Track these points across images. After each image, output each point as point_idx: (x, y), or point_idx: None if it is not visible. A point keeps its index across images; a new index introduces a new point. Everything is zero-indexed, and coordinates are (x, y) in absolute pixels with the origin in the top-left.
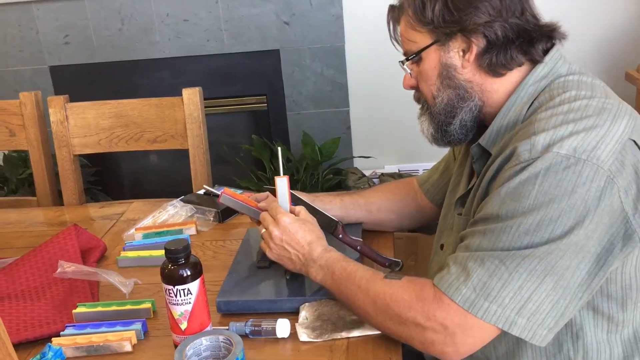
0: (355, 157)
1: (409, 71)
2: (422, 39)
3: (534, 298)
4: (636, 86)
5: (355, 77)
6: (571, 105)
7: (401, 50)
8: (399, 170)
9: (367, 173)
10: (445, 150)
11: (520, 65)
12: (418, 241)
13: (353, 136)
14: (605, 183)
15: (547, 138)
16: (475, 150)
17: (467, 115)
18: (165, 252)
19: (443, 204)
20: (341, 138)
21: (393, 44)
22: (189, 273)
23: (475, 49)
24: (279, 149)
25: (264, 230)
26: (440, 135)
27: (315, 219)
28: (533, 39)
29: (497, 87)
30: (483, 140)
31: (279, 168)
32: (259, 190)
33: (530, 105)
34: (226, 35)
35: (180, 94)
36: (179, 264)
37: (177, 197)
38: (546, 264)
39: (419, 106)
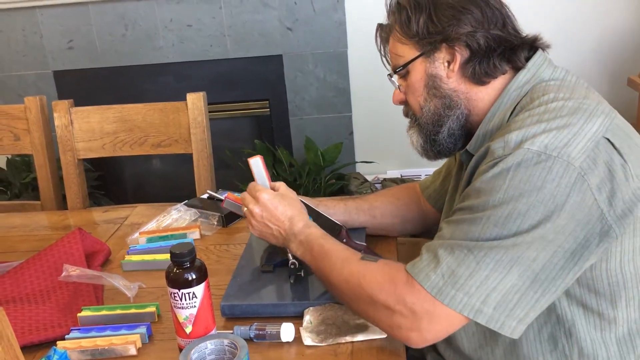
0: (357, 162)
1: (397, 85)
2: (408, 52)
3: (499, 288)
4: (638, 92)
5: (357, 82)
6: (548, 106)
7: (390, 67)
8: (401, 176)
9: (369, 178)
10: None
11: (503, 73)
12: (420, 246)
13: (355, 141)
14: (576, 180)
15: (519, 135)
16: (464, 157)
17: (454, 123)
18: (171, 256)
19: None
20: (343, 143)
21: (383, 62)
22: (194, 277)
23: (459, 59)
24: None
25: (245, 209)
26: (430, 146)
27: (295, 194)
28: (515, 47)
29: (482, 96)
30: (470, 147)
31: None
32: None
33: (513, 110)
34: (229, 41)
35: (183, 99)
36: (184, 267)
37: (179, 201)
38: (512, 255)
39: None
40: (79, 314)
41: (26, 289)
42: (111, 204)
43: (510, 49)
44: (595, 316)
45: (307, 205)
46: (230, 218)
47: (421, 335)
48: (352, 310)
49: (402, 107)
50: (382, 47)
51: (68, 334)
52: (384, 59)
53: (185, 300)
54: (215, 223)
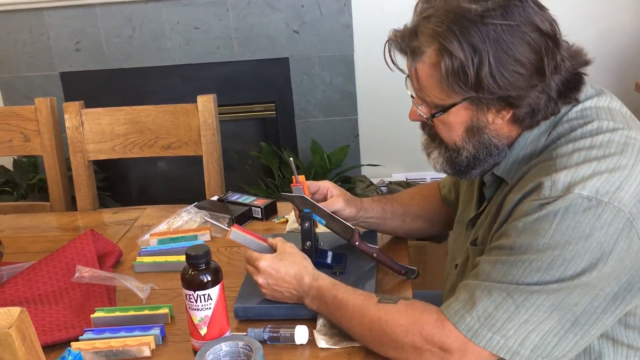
0: (363, 165)
1: (424, 117)
2: (450, 95)
3: (537, 330)
4: None
5: (364, 85)
6: (593, 140)
7: (395, 69)
8: (406, 179)
9: (374, 181)
10: None
11: (554, 115)
12: (426, 250)
13: (361, 144)
14: (624, 226)
15: (568, 176)
16: (488, 179)
17: (489, 165)
18: (186, 258)
19: (455, 219)
20: (349, 146)
21: (389, 66)
22: (209, 278)
23: (513, 112)
24: (291, 160)
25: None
26: (454, 173)
27: (294, 246)
28: (573, 89)
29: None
30: (498, 170)
31: (294, 175)
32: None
33: (548, 135)
34: (236, 43)
35: (189, 101)
36: (199, 269)
37: (186, 203)
38: (554, 300)
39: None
40: (92, 315)
41: (39, 290)
42: (117, 205)
43: (570, 91)
44: (624, 347)
45: (319, 208)
46: (240, 220)
47: None
48: (380, 354)
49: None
50: (393, 57)
51: (82, 335)
52: (392, 65)
53: (201, 302)
54: (226, 225)
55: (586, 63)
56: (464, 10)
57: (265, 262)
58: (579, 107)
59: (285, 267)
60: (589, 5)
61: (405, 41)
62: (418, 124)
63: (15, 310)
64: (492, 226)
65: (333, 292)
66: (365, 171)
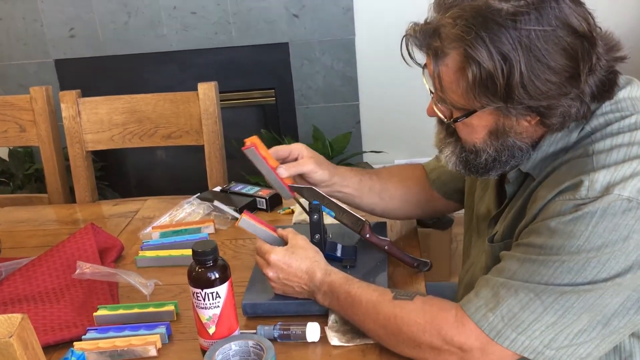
0: (366, 152)
1: (442, 117)
2: (475, 100)
3: (565, 332)
4: None
5: (365, 70)
6: (633, 135)
7: (411, 64)
8: None
9: (376, 167)
10: None
11: (585, 118)
12: (430, 237)
13: (362, 130)
14: None
15: (607, 176)
16: (512, 176)
17: (511, 167)
18: (193, 254)
19: (464, 205)
20: (352, 133)
21: (406, 61)
22: (217, 276)
23: (540, 118)
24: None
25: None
26: (468, 174)
27: (305, 238)
28: (608, 90)
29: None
30: (524, 167)
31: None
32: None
33: (581, 130)
34: (234, 29)
35: (187, 88)
36: (207, 266)
37: (186, 192)
38: (585, 302)
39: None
40: (95, 314)
41: (39, 287)
42: (116, 195)
43: (604, 93)
44: None
45: (328, 200)
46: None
47: None
48: (396, 352)
49: (412, 95)
50: (411, 52)
51: (85, 334)
52: (409, 60)
53: (209, 300)
54: (230, 217)
55: (622, 59)
56: (494, 12)
57: (277, 255)
58: (612, 99)
59: (297, 262)
60: (590, 4)
61: (426, 39)
62: (421, 108)
63: (17, 318)
64: (516, 222)
65: (346, 287)
66: (367, 158)
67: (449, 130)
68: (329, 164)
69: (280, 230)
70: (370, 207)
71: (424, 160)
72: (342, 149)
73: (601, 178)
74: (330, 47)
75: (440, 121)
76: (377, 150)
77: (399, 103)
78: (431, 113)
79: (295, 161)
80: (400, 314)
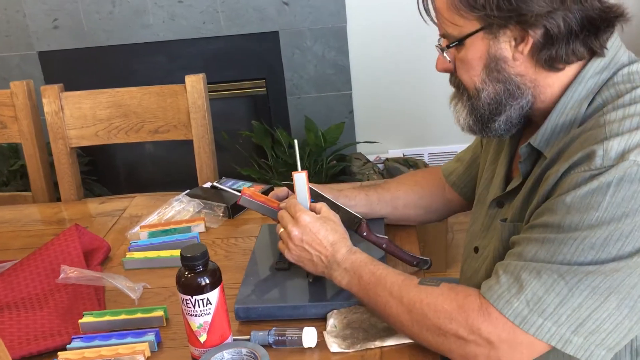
0: (360, 142)
1: (447, 58)
2: (467, 23)
3: (594, 317)
4: None
5: (357, 59)
6: None
7: (431, 23)
8: (403, 155)
9: (370, 158)
10: (463, 137)
11: (581, 60)
12: (427, 229)
13: (356, 120)
14: None
15: (622, 143)
16: (524, 151)
17: (515, 112)
18: (182, 260)
19: (474, 201)
20: (345, 123)
21: (422, 16)
22: (207, 281)
23: (531, 41)
24: (296, 141)
25: (282, 229)
26: (480, 129)
27: (338, 217)
28: (598, 30)
29: (551, 82)
30: (535, 141)
31: (296, 162)
32: (261, 179)
33: (591, 102)
34: (223, 17)
35: (175, 79)
36: (196, 271)
37: (177, 186)
38: (611, 282)
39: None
40: (80, 321)
41: (21, 293)
42: (104, 190)
43: (593, 32)
44: None
45: (324, 198)
46: (236, 209)
47: None
48: (417, 341)
49: (406, 83)
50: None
51: (69, 343)
52: (424, 13)
53: (199, 307)
54: (221, 214)
55: (621, 14)
56: None
57: (309, 217)
58: (625, 70)
59: (326, 232)
60: None
61: None
62: (415, 96)
63: None
64: (528, 202)
65: (371, 267)
66: (360, 148)
67: (455, 84)
68: (332, 188)
69: (313, 204)
70: (382, 217)
71: (418, 150)
72: (335, 139)
73: (615, 145)
74: (321, 35)
75: (450, 78)
76: (371, 140)
77: (392, 91)
78: (440, 65)
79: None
80: (427, 299)
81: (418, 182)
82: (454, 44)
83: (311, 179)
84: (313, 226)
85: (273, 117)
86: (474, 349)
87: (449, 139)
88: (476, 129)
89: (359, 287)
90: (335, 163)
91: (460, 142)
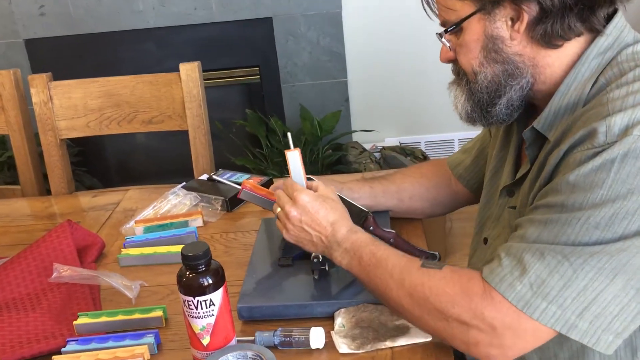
0: (357, 130)
1: (447, 45)
2: (462, 6)
3: (599, 299)
4: None
5: (353, 45)
6: None
7: (435, 18)
8: (400, 143)
9: (366, 147)
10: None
11: (578, 36)
12: (424, 221)
13: (351, 108)
14: None
15: (625, 119)
16: (528, 135)
17: (515, 94)
18: (183, 259)
19: (482, 191)
20: (341, 111)
21: (425, 10)
22: (210, 281)
23: (526, 18)
24: (289, 134)
25: (279, 209)
26: (479, 116)
27: (336, 194)
28: (594, 4)
29: (551, 61)
30: (538, 124)
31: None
32: (255, 169)
33: (594, 82)
34: (215, 3)
35: (167, 68)
36: (198, 271)
37: (169, 178)
38: (617, 262)
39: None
40: (75, 322)
41: (12, 294)
42: (94, 181)
43: (589, 7)
44: None
45: None
46: (235, 202)
47: (504, 352)
48: (417, 326)
49: (403, 70)
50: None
51: (64, 346)
52: (426, 6)
53: (202, 308)
54: (219, 208)
55: None
56: None
57: (307, 196)
58: (629, 50)
59: (326, 211)
60: None
61: None
62: (411, 84)
63: None
64: (534, 186)
65: (372, 247)
66: (356, 137)
67: (456, 71)
68: (334, 180)
69: (309, 182)
70: (390, 212)
71: (415, 138)
72: (331, 128)
73: (618, 121)
74: (316, 21)
75: (453, 67)
76: (366, 128)
77: (389, 79)
78: (443, 57)
79: None
80: (429, 282)
81: (424, 174)
82: (451, 29)
83: (307, 169)
84: (312, 206)
85: (267, 105)
86: (476, 334)
87: (447, 127)
88: (475, 117)
89: (359, 268)
90: (331, 152)
91: (457, 130)
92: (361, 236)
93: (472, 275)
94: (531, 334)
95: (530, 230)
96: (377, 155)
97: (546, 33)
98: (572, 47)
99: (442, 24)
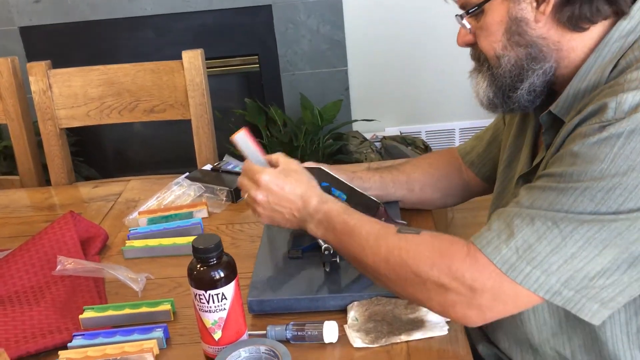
0: (358, 120)
1: (468, 26)
2: None
3: (585, 269)
4: None
5: (353, 34)
6: None
7: (448, 2)
8: (400, 133)
9: (367, 136)
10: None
11: (605, 18)
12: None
13: (352, 97)
14: None
15: (636, 97)
16: (545, 119)
17: (538, 79)
18: (194, 252)
19: (496, 180)
20: (342, 100)
21: None
22: (222, 275)
23: (553, 1)
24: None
25: (246, 194)
26: (501, 101)
27: (299, 164)
28: None
29: (575, 45)
30: (555, 108)
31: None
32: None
33: (615, 66)
34: None
35: (164, 55)
36: (210, 264)
37: (169, 166)
38: (608, 233)
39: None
40: (80, 316)
41: (15, 287)
42: (92, 171)
43: None
44: None
45: (338, 181)
46: (239, 193)
47: (481, 313)
48: (394, 292)
49: (404, 58)
50: None
51: (70, 341)
52: None
53: (214, 302)
54: (224, 198)
55: None
56: None
57: (269, 176)
58: None
59: (291, 185)
60: None
61: None
62: (412, 72)
63: None
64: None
65: (344, 216)
66: (356, 126)
67: (476, 56)
68: (345, 170)
69: (268, 156)
70: (400, 202)
71: (416, 127)
72: (332, 117)
73: (630, 99)
74: (316, 9)
75: (472, 52)
76: (367, 118)
77: (390, 67)
78: (461, 39)
79: None
80: (406, 246)
81: (434, 164)
82: (473, 10)
83: (307, 158)
84: (276, 183)
85: (266, 94)
86: (453, 297)
87: (448, 117)
88: (497, 102)
89: (334, 238)
90: (332, 142)
91: (459, 119)
92: (332, 205)
93: (453, 239)
94: (512, 297)
95: (527, 197)
96: (377, 144)
97: (573, 15)
98: (596, 30)
99: (462, 6)
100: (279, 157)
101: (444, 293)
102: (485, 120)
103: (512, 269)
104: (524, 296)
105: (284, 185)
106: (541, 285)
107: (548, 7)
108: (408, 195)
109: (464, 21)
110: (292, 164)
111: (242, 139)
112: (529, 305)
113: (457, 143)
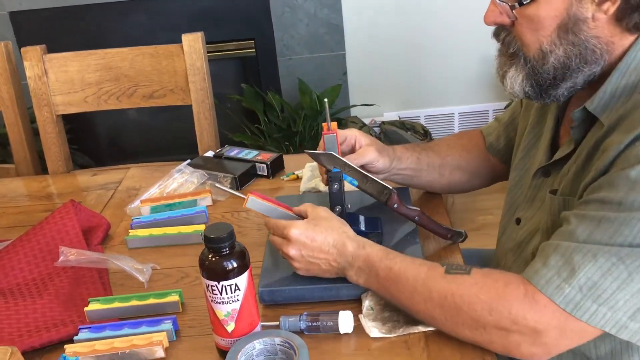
0: (357, 105)
1: (511, 11)
2: None
3: None
4: None
5: (351, 17)
6: None
7: None
8: (399, 117)
9: (366, 121)
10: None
11: None
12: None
13: (350, 82)
14: None
15: None
16: (577, 116)
17: (582, 78)
18: (205, 241)
19: (512, 171)
20: (341, 85)
21: None
22: (235, 265)
23: (619, 1)
24: (325, 101)
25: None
26: (536, 94)
27: (328, 210)
28: None
29: (623, 43)
30: (591, 105)
31: (327, 121)
32: (253, 145)
33: None
34: None
35: (158, 39)
36: (222, 254)
37: (165, 153)
38: None
39: (497, 46)
40: (86, 308)
41: (17, 279)
42: (86, 159)
43: None
44: None
45: (349, 166)
46: (244, 179)
47: (547, 350)
48: (451, 335)
49: (402, 42)
50: None
51: (76, 334)
52: None
53: (227, 293)
54: (228, 186)
55: None
56: None
57: (298, 229)
58: None
59: (322, 235)
60: None
61: None
62: (411, 56)
63: (5, 353)
64: (582, 175)
65: (387, 262)
66: (355, 111)
67: (506, 40)
68: (387, 147)
69: (296, 208)
70: (428, 185)
71: (414, 112)
72: (331, 102)
73: None
74: None
75: (497, 32)
76: (365, 103)
77: (388, 52)
78: (491, 17)
79: (353, 152)
80: (459, 291)
81: (465, 145)
82: (527, 1)
83: (307, 144)
84: (306, 237)
85: (263, 79)
86: (517, 338)
87: (447, 101)
88: (532, 95)
89: (378, 285)
90: None
91: (458, 104)
92: (371, 250)
93: (509, 279)
94: (577, 333)
95: (581, 227)
96: (376, 130)
97: (632, 20)
98: None
99: None
100: (307, 207)
101: (506, 336)
102: (485, 104)
103: (577, 308)
104: (589, 332)
105: (315, 236)
106: (608, 321)
107: (613, 7)
108: (437, 179)
109: (505, 3)
110: (320, 211)
111: (253, 203)
112: (594, 337)
113: (456, 128)
